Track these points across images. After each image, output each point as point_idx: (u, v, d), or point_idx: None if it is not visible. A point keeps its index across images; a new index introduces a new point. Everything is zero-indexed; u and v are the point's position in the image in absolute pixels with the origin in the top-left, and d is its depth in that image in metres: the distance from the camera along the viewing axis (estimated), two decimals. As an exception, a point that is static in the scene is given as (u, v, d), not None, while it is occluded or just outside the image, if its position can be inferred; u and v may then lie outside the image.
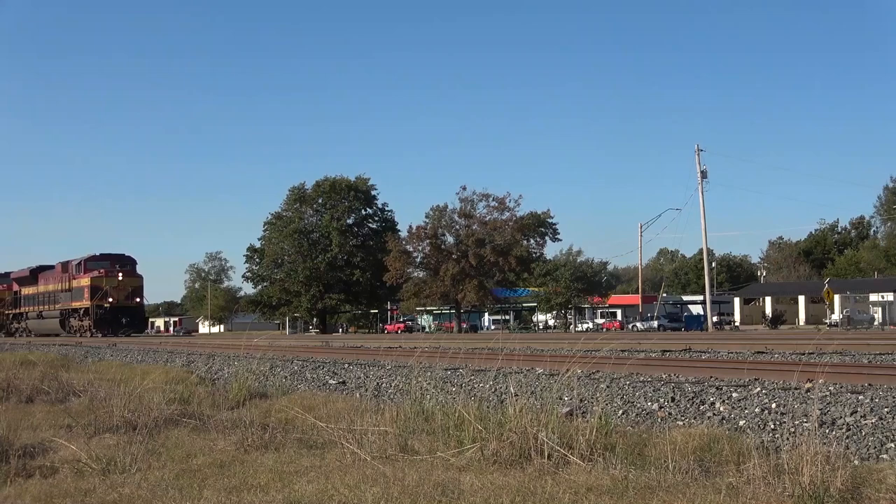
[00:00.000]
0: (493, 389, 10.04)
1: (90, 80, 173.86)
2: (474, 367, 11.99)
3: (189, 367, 17.28)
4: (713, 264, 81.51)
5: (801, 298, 78.50)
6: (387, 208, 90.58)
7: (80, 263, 55.57)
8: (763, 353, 13.52)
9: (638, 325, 68.81)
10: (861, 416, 7.01)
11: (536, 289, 79.24)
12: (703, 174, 59.19)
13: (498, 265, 70.55)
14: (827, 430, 6.65)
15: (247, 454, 6.97)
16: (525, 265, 73.69)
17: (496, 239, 70.84)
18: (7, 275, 71.47)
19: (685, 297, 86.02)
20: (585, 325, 77.52)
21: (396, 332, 75.65)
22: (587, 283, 74.01)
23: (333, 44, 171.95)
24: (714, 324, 60.40)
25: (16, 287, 68.32)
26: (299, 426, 7.89)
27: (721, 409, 7.95)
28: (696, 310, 72.91)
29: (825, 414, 7.16)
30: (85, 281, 54.33)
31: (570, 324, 77.18)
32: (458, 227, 73.51)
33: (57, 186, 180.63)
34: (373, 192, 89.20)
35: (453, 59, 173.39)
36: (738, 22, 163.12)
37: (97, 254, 56.56)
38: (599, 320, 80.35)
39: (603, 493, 5.15)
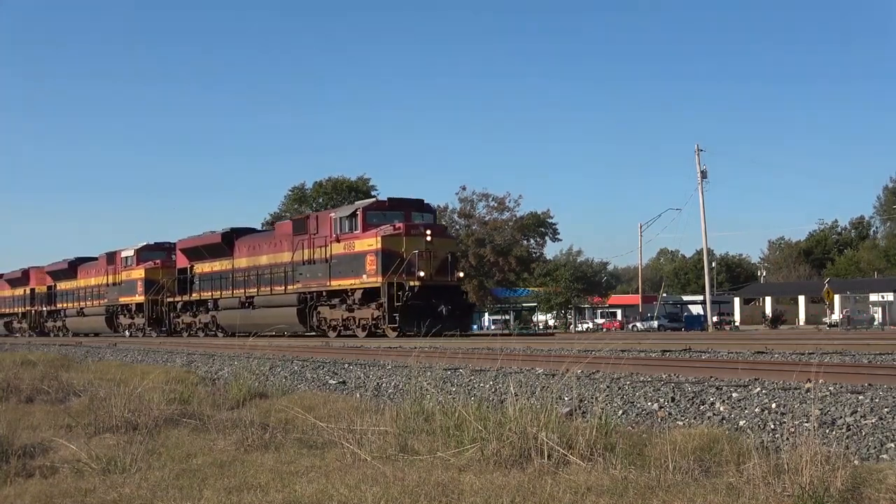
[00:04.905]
0: (493, 389, 10.04)
1: (88, 78, 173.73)
2: (474, 367, 11.99)
3: (189, 367, 17.27)
4: (713, 264, 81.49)
5: (801, 298, 78.53)
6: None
7: (354, 214, 30.49)
8: (763, 353, 13.51)
9: (638, 325, 68.84)
10: (861, 416, 7.00)
11: (536, 289, 79.28)
12: (703, 174, 59.22)
13: (498, 265, 70.56)
14: (827, 430, 6.65)
15: (247, 454, 6.97)
16: (525, 265, 73.70)
17: (496, 239, 70.84)
18: (163, 246, 45.50)
19: (685, 297, 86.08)
20: (585, 325, 77.56)
21: None
22: (587, 283, 74.04)
23: (333, 43, 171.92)
24: (714, 324, 60.42)
25: (184, 262, 41.17)
26: (299, 426, 7.90)
27: (721, 409, 7.95)
28: (696, 310, 72.94)
29: (825, 414, 7.16)
30: (367, 243, 29.26)
31: (571, 324, 77.20)
32: (457, 227, 73.54)
33: (53, 185, 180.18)
34: (373, 193, 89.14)
35: (453, 59, 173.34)
36: (739, 22, 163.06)
37: (382, 198, 32.49)
38: (599, 320, 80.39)
39: (603, 493, 5.16)
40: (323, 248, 31.30)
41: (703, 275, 64.09)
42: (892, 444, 6.30)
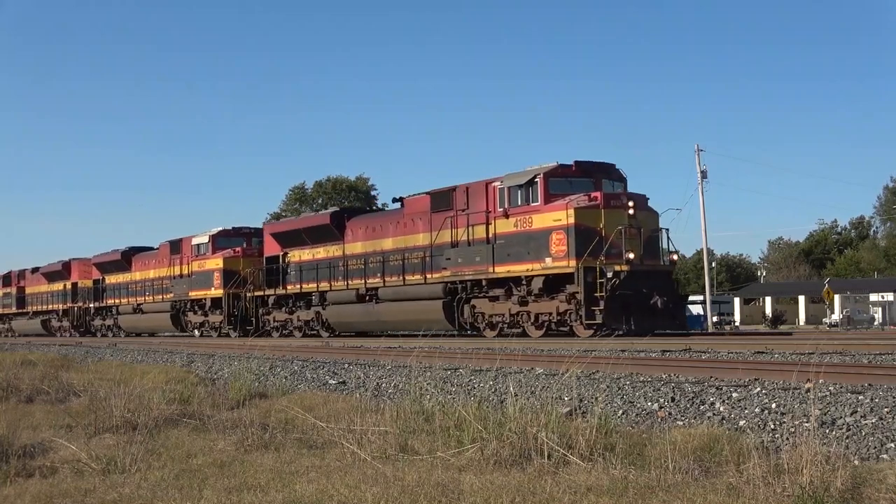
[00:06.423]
0: (492, 389, 10.05)
1: (86, 76, 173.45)
2: (474, 367, 12.00)
3: (189, 367, 17.30)
4: (713, 264, 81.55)
5: (801, 298, 78.59)
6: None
7: (532, 182, 23.59)
8: (763, 353, 13.52)
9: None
10: (861, 416, 7.01)
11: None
12: (703, 174, 59.09)
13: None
14: (827, 430, 6.66)
15: (247, 454, 6.98)
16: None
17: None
18: (242, 231, 39.57)
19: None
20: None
21: None
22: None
23: (333, 44, 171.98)
24: (714, 324, 60.41)
25: (275, 249, 34.48)
26: (299, 426, 7.91)
27: (721, 409, 7.95)
28: (696, 310, 72.92)
29: (825, 414, 7.17)
30: (553, 217, 22.92)
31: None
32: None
33: (50, 183, 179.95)
34: (373, 192, 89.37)
35: (453, 59, 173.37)
36: (739, 22, 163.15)
37: (566, 163, 23.90)
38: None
39: (603, 493, 5.16)
40: (481, 227, 24.96)
41: (703, 275, 64.10)
42: (892, 444, 6.30)
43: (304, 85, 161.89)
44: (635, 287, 21.66)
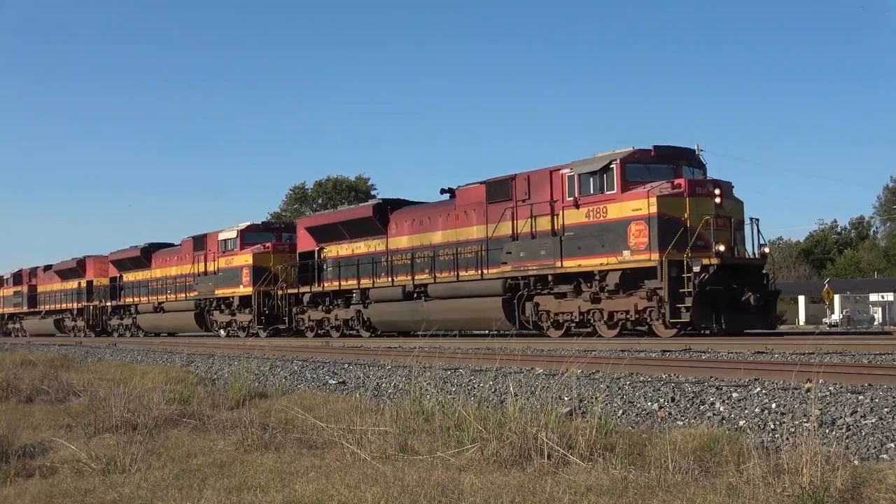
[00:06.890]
0: (492, 389, 10.06)
1: (86, 76, 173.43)
2: (473, 367, 12.00)
3: (188, 366, 17.30)
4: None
5: (801, 298, 78.60)
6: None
7: (607, 168, 21.58)
8: (763, 353, 13.52)
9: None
10: (861, 416, 7.02)
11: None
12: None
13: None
14: (827, 430, 6.66)
15: (247, 454, 6.98)
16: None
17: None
18: (272, 226, 39.70)
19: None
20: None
21: None
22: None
23: (333, 43, 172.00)
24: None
25: (309, 244, 32.87)
26: (299, 426, 7.91)
27: (721, 409, 7.96)
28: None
29: (825, 414, 7.17)
30: (632, 206, 20.86)
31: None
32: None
33: (50, 183, 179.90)
34: (373, 192, 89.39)
35: (453, 59, 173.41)
36: (739, 22, 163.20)
37: (643, 148, 21.99)
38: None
39: (603, 493, 5.16)
40: (545, 218, 23.03)
41: (703, 275, 64.04)
42: (892, 444, 6.30)
43: (304, 85, 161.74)
44: (725, 282, 19.88)
